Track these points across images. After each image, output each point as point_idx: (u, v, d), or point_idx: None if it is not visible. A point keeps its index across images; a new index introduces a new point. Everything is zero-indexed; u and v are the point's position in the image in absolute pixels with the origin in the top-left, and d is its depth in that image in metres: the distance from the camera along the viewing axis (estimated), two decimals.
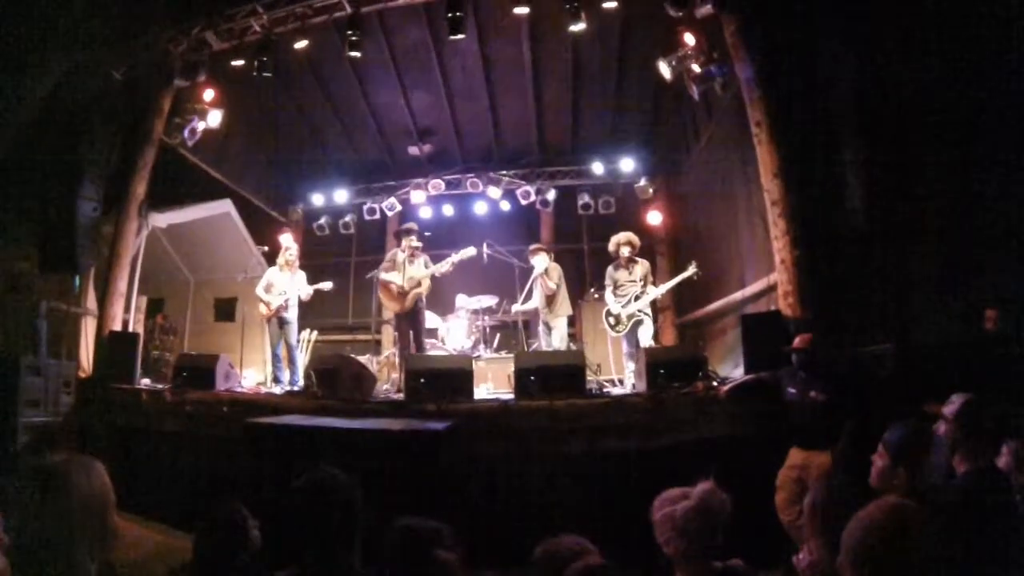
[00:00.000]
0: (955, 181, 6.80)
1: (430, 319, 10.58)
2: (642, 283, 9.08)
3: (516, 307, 10.41)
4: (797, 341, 6.15)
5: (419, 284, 9.30)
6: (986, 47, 6.51)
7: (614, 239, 9.41)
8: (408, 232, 9.60)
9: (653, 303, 9.36)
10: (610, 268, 9.38)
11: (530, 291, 10.14)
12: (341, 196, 15.24)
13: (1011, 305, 6.49)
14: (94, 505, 2.09)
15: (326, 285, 9.92)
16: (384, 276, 9.49)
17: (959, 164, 6.77)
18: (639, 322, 8.99)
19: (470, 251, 9.68)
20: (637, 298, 9.00)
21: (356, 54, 9.72)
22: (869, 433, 4.70)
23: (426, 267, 9.40)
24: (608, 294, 9.30)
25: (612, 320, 9.17)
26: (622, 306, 9.07)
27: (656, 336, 9.29)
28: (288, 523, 2.57)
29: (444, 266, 9.44)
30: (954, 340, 6.15)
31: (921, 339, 6.33)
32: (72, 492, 2.02)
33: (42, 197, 9.23)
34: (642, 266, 9.22)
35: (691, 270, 8.97)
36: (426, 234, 10.00)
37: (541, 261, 9.83)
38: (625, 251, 9.23)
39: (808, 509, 2.70)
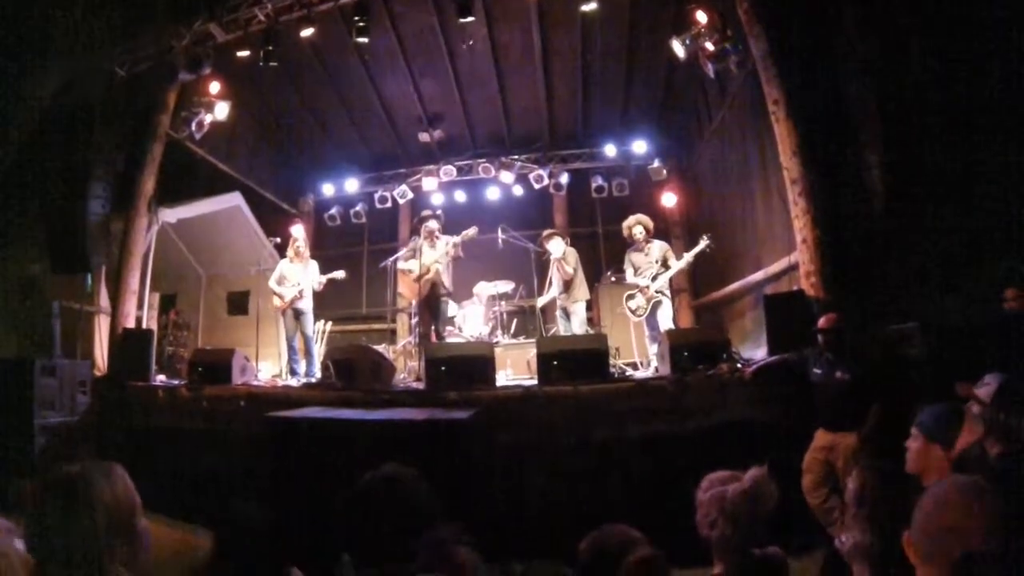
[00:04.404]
0: (974, 161, 6.66)
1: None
2: (659, 263, 8.97)
3: (541, 300, 10.34)
4: (822, 321, 6.01)
5: (428, 270, 9.24)
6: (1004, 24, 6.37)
7: (625, 223, 9.37)
8: (424, 219, 9.56)
9: (669, 284, 9.24)
10: (629, 251, 9.32)
11: (551, 280, 10.04)
12: (352, 185, 15.21)
13: None
14: (120, 512, 2.00)
15: (339, 274, 9.86)
16: (402, 264, 9.48)
17: (976, 144, 6.63)
18: (658, 303, 8.90)
19: (472, 231, 9.59)
20: (654, 278, 8.89)
21: (363, 40, 9.61)
22: (896, 414, 4.62)
23: (447, 249, 9.37)
24: (630, 277, 9.22)
25: (632, 304, 9.07)
26: (641, 288, 8.96)
27: (673, 318, 9.18)
28: (354, 525, 2.47)
29: (448, 248, 9.40)
30: (977, 319, 6.02)
31: (944, 318, 6.20)
32: (95, 502, 1.93)
33: (51, 198, 9.19)
34: (658, 247, 9.11)
35: (704, 243, 8.85)
36: (438, 212, 9.94)
37: (557, 246, 9.71)
38: (637, 233, 9.15)
39: (852, 494, 2.63)
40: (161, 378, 9.24)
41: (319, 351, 10.26)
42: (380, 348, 9.41)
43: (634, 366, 9.32)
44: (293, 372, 9.60)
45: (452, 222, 10.31)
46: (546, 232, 10.06)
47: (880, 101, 7.12)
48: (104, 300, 9.80)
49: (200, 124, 10.20)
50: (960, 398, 3.71)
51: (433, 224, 9.48)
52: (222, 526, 3.13)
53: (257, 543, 3.04)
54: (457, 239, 9.45)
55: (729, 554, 2.65)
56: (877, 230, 7.12)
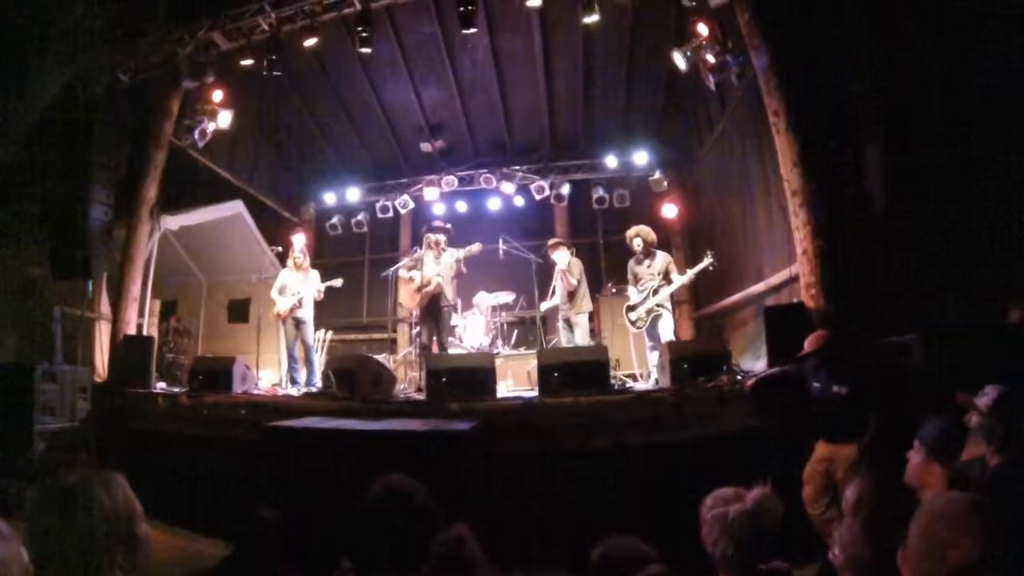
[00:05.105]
0: (975, 160, 6.65)
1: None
2: (660, 276, 8.97)
3: (544, 305, 10.34)
4: (808, 343, 5.98)
5: (429, 282, 9.25)
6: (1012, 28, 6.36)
7: (627, 233, 9.36)
8: (433, 229, 9.61)
9: (671, 296, 9.24)
10: (631, 263, 9.35)
11: (554, 289, 10.05)
12: (353, 194, 15.17)
13: None
14: (119, 520, 2.00)
15: (336, 282, 9.91)
16: (403, 273, 9.50)
17: (978, 143, 6.61)
18: (658, 316, 8.90)
19: (475, 247, 9.67)
20: (655, 292, 8.91)
21: (367, 50, 9.57)
22: (896, 424, 4.62)
23: (452, 263, 9.40)
24: (631, 289, 9.24)
25: (632, 316, 9.07)
26: (641, 301, 8.97)
27: (674, 330, 9.20)
28: (360, 533, 2.48)
29: (451, 262, 9.45)
30: (977, 329, 6.00)
31: (943, 329, 6.19)
32: (95, 512, 1.94)
33: (53, 202, 9.17)
34: (661, 259, 9.11)
35: (707, 260, 8.86)
36: (447, 225, 9.97)
37: (562, 256, 9.75)
38: (636, 245, 9.18)
39: (850, 502, 2.64)
40: (161, 385, 9.26)
41: (319, 360, 10.27)
42: (381, 358, 9.42)
43: (634, 377, 9.33)
44: (293, 381, 9.61)
45: (453, 232, 10.33)
46: (552, 241, 10.09)
47: (882, 100, 7.12)
48: (105, 306, 9.79)
49: (203, 132, 10.20)
50: (961, 408, 3.72)
51: (441, 236, 9.52)
52: (240, 532, 3.14)
53: (275, 549, 3.05)
54: (460, 255, 9.48)
55: (733, 570, 2.65)
56: (878, 232, 7.10)
